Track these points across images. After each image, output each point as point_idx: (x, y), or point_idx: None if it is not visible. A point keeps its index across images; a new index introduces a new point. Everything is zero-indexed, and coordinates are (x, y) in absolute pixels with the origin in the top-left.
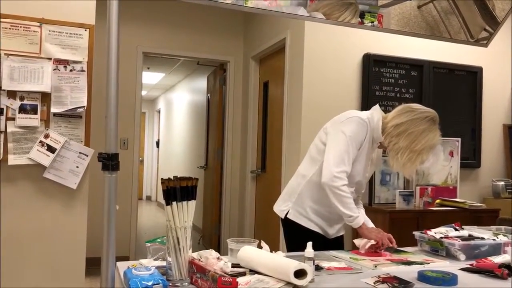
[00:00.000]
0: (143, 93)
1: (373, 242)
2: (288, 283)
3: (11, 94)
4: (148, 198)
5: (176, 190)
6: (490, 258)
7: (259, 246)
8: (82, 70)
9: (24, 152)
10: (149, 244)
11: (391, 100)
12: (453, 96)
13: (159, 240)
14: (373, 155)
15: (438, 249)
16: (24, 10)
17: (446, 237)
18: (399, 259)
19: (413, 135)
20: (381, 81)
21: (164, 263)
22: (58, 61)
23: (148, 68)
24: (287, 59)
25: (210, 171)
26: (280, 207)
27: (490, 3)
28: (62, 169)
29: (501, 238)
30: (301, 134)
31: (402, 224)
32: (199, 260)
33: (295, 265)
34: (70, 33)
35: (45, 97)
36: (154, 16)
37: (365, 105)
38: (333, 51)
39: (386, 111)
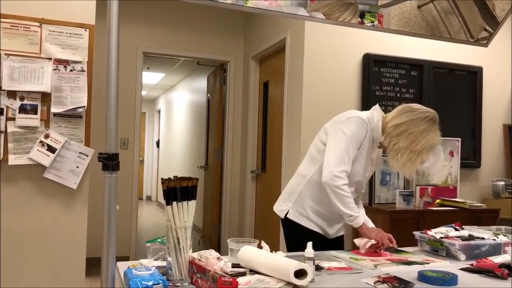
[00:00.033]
0: (143, 93)
1: (373, 241)
2: (288, 283)
3: (11, 94)
4: (148, 198)
5: (176, 190)
6: (490, 258)
7: (259, 246)
8: (82, 70)
9: (24, 152)
10: (149, 244)
11: (391, 100)
12: (453, 96)
13: (159, 240)
14: (373, 155)
15: (438, 249)
16: (24, 10)
17: (446, 237)
18: (399, 259)
19: (413, 135)
20: (381, 81)
21: (164, 263)
22: (58, 61)
23: (148, 68)
24: (287, 59)
25: (210, 171)
26: (280, 207)
27: (490, 3)
28: (62, 169)
29: (501, 238)
30: (301, 134)
31: (402, 224)
32: (199, 260)
33: (295, 265)
34: (70, 33)
35: (45, 97)
36: (154, 16)
37: (365, 105)
38: (333, 51)
39: (386, 111)
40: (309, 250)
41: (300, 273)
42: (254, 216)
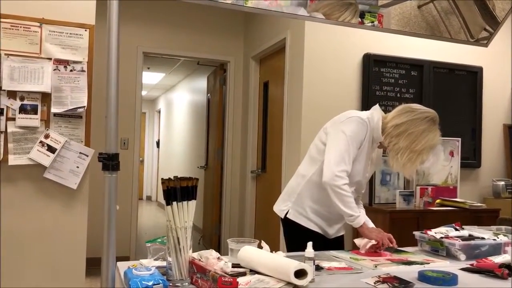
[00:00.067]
0: (143, 93)
1: (374, 242)
2: (289, 283)
3: (11, 94)
4: (149, 198)
5: (176, 190)
6: (490, 258)
7: (259, 246)
8: (82, 70)
9: (25, 152)
10: (149, 244)
11: (391, 100)
12: (453, 96)
13: (160, 240)
14: (373, 155)
15: (438, 249)
16: (24, 10)
17: (447, 237)
18: (400, 259)
19: (413, 135)
20: (381, 81)
21: (164, 263)
22: (58, 61)
23: (148, 68)
24: (287, 59)
25: (210, 171)
26: (280, 207)
27: (490, 3)
28: (63, 169)
29: (501, 238)
30: (301, 134)
31: (402, 224)
32: (200, 260)
33: (296, 265)
34: (70, 33)
35: (45, 97)
36: (154, 16)
37: (365, 105)
38: (333, 51)
39: (386, 111)
40: (309, 250)
41: (300, 273)
42: (254, 216)
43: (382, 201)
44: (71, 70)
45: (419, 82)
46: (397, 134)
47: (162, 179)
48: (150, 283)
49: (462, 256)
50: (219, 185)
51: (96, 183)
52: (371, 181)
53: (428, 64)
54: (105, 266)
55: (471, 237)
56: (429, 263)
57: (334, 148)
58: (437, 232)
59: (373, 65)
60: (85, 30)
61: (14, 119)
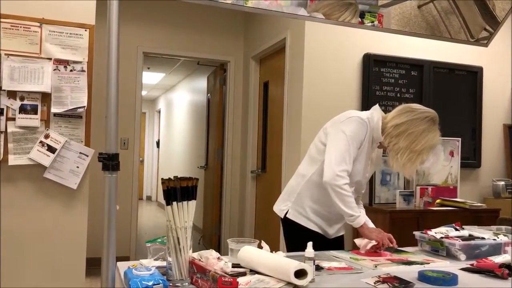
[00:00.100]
0: (143, 93)
1: (374, 243)
2: (289, 283)
3: (11, 94)
4: (149, 198)
5: (176, 190)
6: (490, 258)
7: (260, 246)
8: (82, 70)
9: (25, 152)
10: (149, 244)
11: (391, 100)
12: (453, 96)
13: (160, 240)
14: (373, 155)
15: (438, 249)
16: (24, 10)
17: (447, 237)
18: (400, 259)
19: (413, 135)
20: (381, 81)
21: (164, 263)
22: (58, 61)
23: (148, 68)
24: (287, 59)
25: (210, 171)
26: (280, 207)
27: (490, 3)
28: (63, 169)
29: (502, 238)
30: (301, 134)
31: (402, 224)
32: (200, 260)
33: (296, 265)
34: (70, 33)
35: (45, 97)
36: (154, 16)
37: (365, 105)
38: (333, 51)
39: (386, 111)
40: (309, 250)
41: (300, 273)
42: (254, 216)
43: (382, 201)
44: (71, 70)
45: (419, 82)
46: (397, 134)
47: (162, 179)
48: (150, 283)
49: (462, 256)
50: (219, 185)
51: (96, 183)
52: (371, 181)
53: (428, 64)
54: (105, 266)
55: (471, 237)
56: (429, 263)
57: (334, 148)
58: (437, 232)
59: (373, 65)
60: (85, 30)
61: (14, 119)
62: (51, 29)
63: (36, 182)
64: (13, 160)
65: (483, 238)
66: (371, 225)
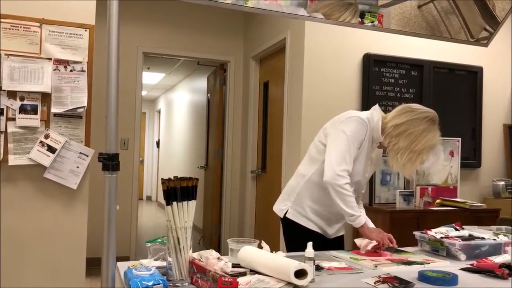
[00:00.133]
0: (143, 93)
1: (374, 243)
2: (289, 283)
3: (11, 95)
4: (149, 198)
5: (176, 190)
6: (490, 258)
7: (260, 246)
8: (82, 70)
9: (25, 152)
10: (149, 244)
11: (391, 100)
12: (453, 96)
13: (160, 240)
14: (373, 155)
15: (438, 249)
16: (24, 10)
17: (447, 237)
18: (400, 259)
19: (413, 135)
20: (381, 81)
21: (164, 263)
22: (58, 61)
23: (148, 68)
24: (287, 59)
25: (210, 171)
26: (280, 207)
27: (490, 3)
28: (63, 169)
29: (502, 238)
30: (301, 134)
31: (402, 224)
32: (200, 260)
33: (296, 265)
34: (70, 33)
35: (45, 97)
36: (154, 16)
37: (365, 105)
38: (333, 51)
39: (386, 111)
40: (309, 250)
41: (300, 273)
42: (254, 216)
43: (382, 201)
44: (71, 70)
45: (419, 82)
46: (397, 134)
47: (162, 179)
48: (150, 283)
49: (462, 256)
50: (219, 185)
51: (96, 183)
52: (371, 181)
53: (428, 64)
54: (105, 266)
55: (471, 237)
56: (429, 263)
57: (334, 148)
58: (437, 232)
59: (373, 65)
60: (85, 30)
61: (14, 119)
62: (51, 29)
63: (36, 182)
64: (13, 160)
65: (483, 238)
66: (371, 225)
